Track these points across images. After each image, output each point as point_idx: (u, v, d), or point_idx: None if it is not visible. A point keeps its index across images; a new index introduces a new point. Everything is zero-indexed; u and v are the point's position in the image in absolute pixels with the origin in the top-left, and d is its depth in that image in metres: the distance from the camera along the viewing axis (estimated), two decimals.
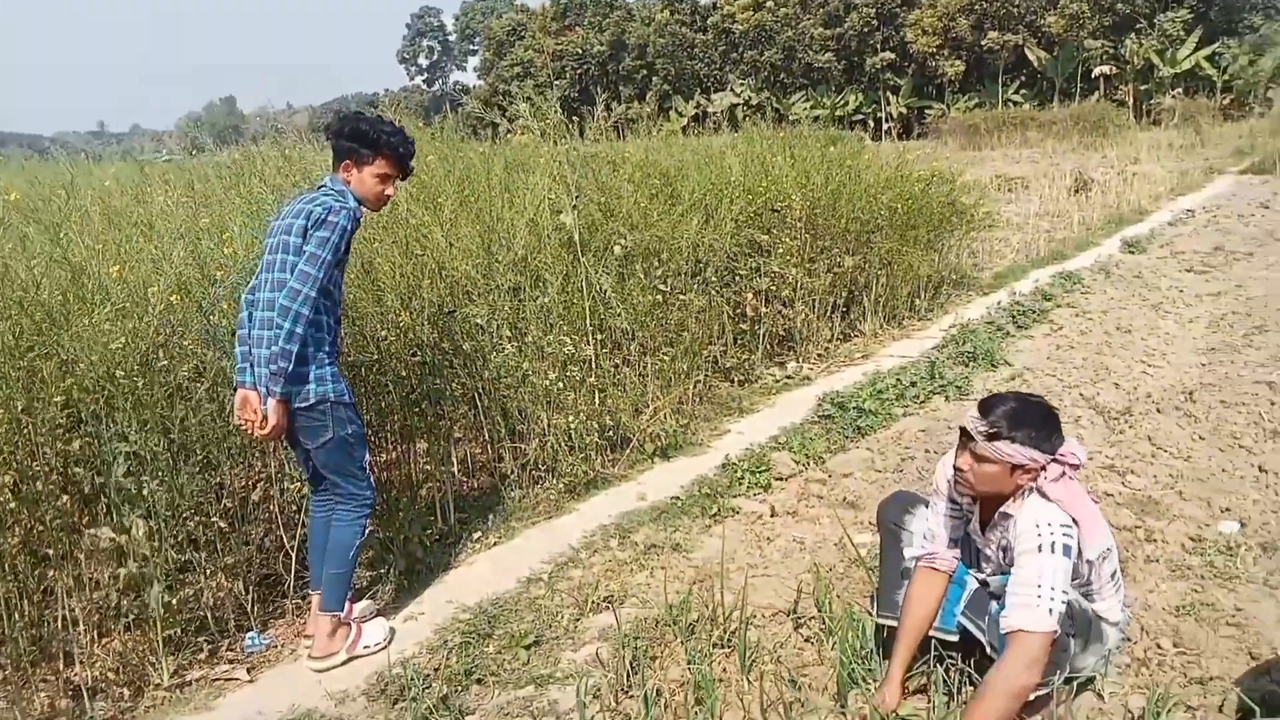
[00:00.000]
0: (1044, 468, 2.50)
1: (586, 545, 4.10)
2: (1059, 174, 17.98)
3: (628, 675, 2.94)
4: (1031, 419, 2.50)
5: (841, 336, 7.58)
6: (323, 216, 3.04)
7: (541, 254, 5.09)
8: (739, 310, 6.62)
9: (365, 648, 3.29)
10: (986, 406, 2.55)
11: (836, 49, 52.08)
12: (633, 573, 3.78)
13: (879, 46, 50.89)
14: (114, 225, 5.32)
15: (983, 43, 47.08)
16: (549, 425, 4.77)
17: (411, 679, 2.99)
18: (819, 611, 3.24)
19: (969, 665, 2.61)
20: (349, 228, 3.11)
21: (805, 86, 53.83)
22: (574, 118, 6.73)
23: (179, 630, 3.33)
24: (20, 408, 3.13)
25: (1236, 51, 40.04)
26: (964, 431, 2.56)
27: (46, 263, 4.00)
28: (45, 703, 3.03)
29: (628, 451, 5.09)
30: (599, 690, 2.91)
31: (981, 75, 49.23)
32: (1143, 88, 43.52)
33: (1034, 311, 7.96)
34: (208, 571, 3.52)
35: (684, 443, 5.29)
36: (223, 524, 3.60)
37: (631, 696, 2.87)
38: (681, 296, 5.81)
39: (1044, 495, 2.49)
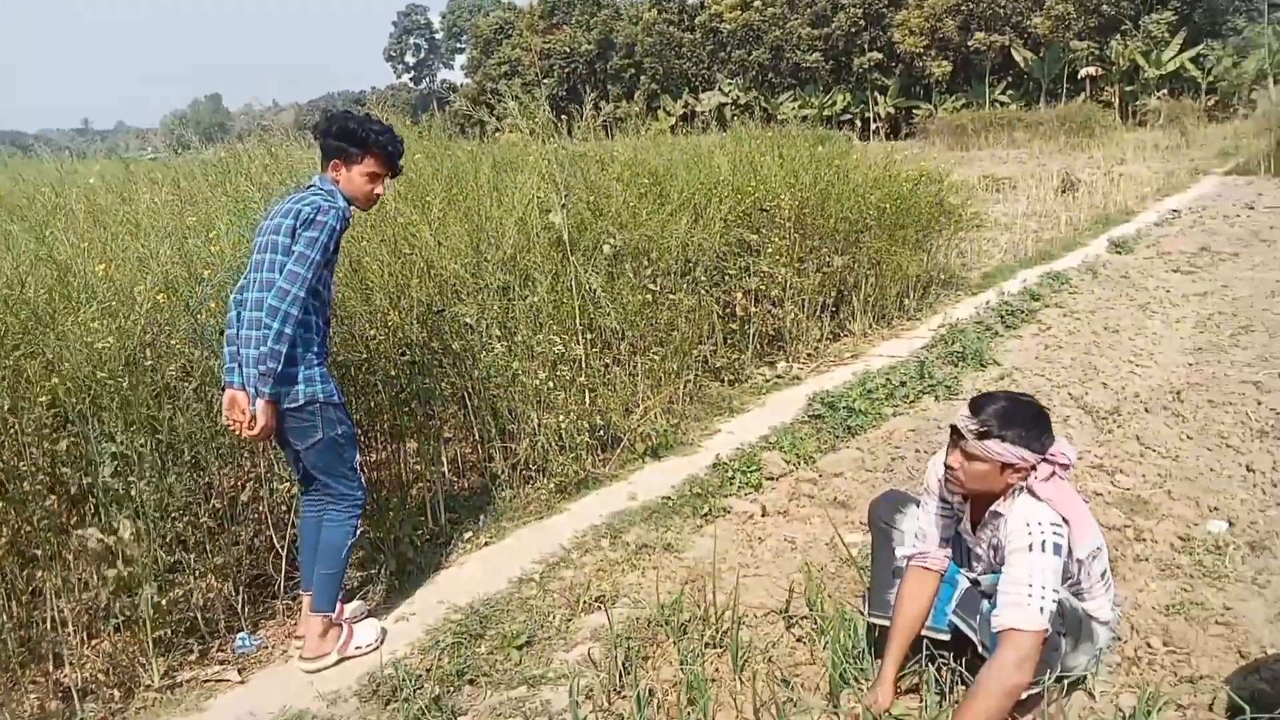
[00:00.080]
0: (1034, 467, 2.51)
1: (578, 545, 4.09)
2: (1046, 174, 18.07)
3: (620, 675, 2.94)
4: (1022, 418, 2.51)
5: (831, 336, 7.60)
6: (311, 216, 3.02)
7: (530, 253, 5.09)
8: (728, 310, 6.62)
9: (357, 648, 3.27)
10: (977, 405, 2.55)
11: (824, 49, 52.17)
12: (624, 573, 3.78)
13: (866, 46, 51.00)
14: (99, 223, 5.29)
15: (969, 43, 47.25)
16: (539, 425, 4.76)
17: (403, 680, 2.98)
18: (811, 611, 3.25)
19: (961, 664, 2.62)
20: (338, 227, 3.09)
21: (793, 86, 53.92)
22: (562, 116, 6.71)
23: (169, 631, 3.30)
24: (6, 407, 3.10)
25: (1220, 53, 40.31)
26: (955, 430, 2.56)
27: (32, 261, 3.98)
28: (35, 704, 3.01)
29: (618, 451, 5.08)
30: (591, 690, 2.91)
31: (968, 76, 49.40)
32: (1128, 89, 43.79)
33: (1022, 311, 8.00)
34: (197, 572, 3.50)
35: (674, 442, 5.29)
36: (212, 524, 3.59)
37: (624, 696, 2.86)
38: (671, 296, 5.81)
39: (1034, 494, 2.50)
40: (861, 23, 50.77)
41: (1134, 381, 5.92)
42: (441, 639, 3.33)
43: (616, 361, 5.50)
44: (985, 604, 2.61)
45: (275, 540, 3.79)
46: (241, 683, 3.21)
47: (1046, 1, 45.05)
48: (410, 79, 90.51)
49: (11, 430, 3.12)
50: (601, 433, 5.10)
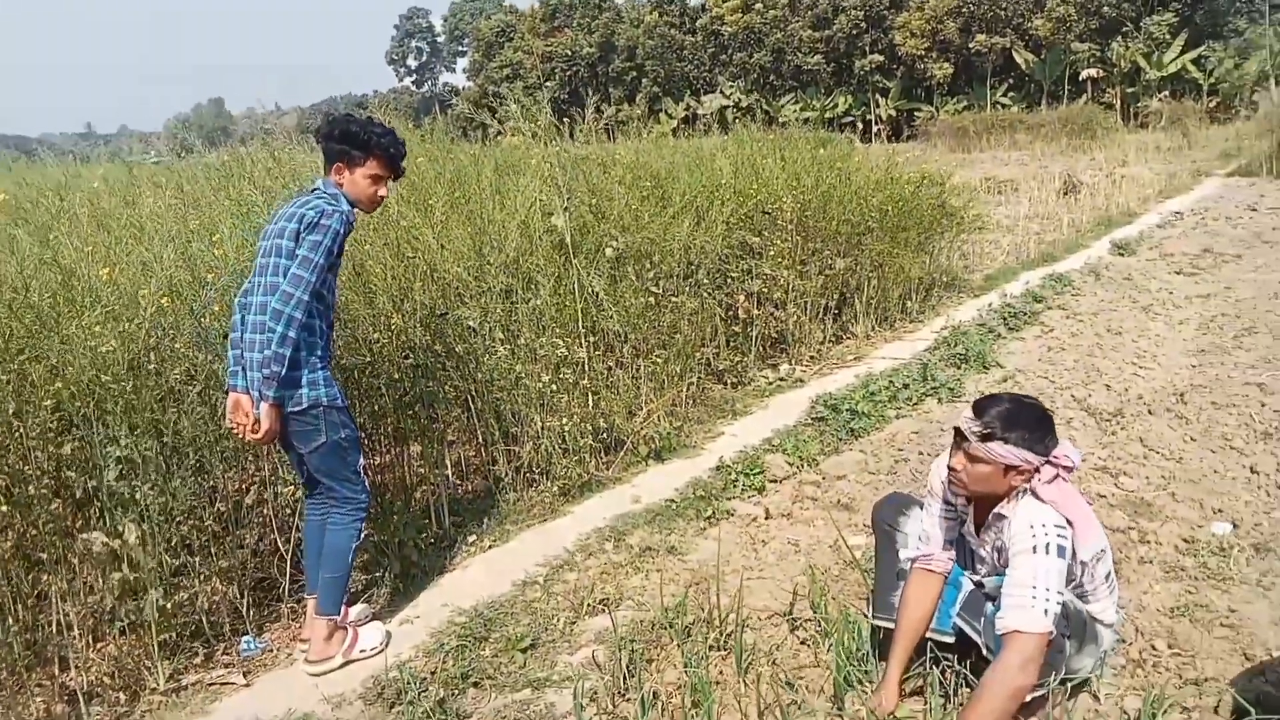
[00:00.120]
0: (1038, 469, 2.51)
1: (581, 548, 4.09)
2: (1048, 176, 18.05)
3: (624, 678, 2.94)
4: (1025, 420, 2.51)
5: (833, 338, 7.60)
6: (315, 220, 3.04)
7: (533, 256, 5.09)
8: (731, 312, 6.63)
9: (361, 651, 3.28)
10: (981, 407, 2.55)
11: (825, 51, 52.12)
12: (628, 575, 3.78)
13: (867, 49, 50.94)
14: (103, 227, 5.30)
15: (971, 45, 47.20)
16: (543, 428, 4.76)
17: (408, 682, 2.98)
18: (815, 614, 3.25)
19: (965, 667, 2.62)
20: (342, 231, 3.10)
21: (795, 89, 53.86)
22: (564, 119, 6.71)
23: (174, 635, 3.31)
24: (11, 411, 3.11)
25: (1222, 55, 40.25)
26: (958, 432, 2.56)
27: (36, 265, 3.99)
28: (41, 708, 3.01)
29: (622, 454, 5.09)
30: (595, 693, 2.91)
31: (970, 78, 49.34)
32: (1130, 91, 43.73)
33: (1025, 313, 7.99)
34: (202, 575, 3.50)
35: (678, 445, 5.29)
36: (216, 528, 3.59)
37: (628, 699, 2.87)
38: (674, 298, 5.82)
39: (1037, 497, 2.50)
40: (863, 25, 50.73)
41: (1137, 383, 5.92)
42: (446, 642, 3.33)
43: (619, 364, 5.51)
44: (989, 606, 2.61)
45: (280, 543, 3.80)
46: (246, 686, 3.21)
47: (1048, 3, 45.01)
48: (412, 82, 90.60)
49: (16, 434, 3.12)
50: (605, 435, 5.10)
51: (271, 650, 3.44)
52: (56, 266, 3.91)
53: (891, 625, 2.79)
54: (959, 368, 6.49)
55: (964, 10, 47.14)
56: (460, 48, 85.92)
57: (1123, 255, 10.94)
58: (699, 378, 6.15)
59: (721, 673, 2.98)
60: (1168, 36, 42.92)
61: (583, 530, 4.28)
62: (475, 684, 3.07)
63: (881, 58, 50.82)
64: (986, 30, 46.98)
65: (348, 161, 3.19)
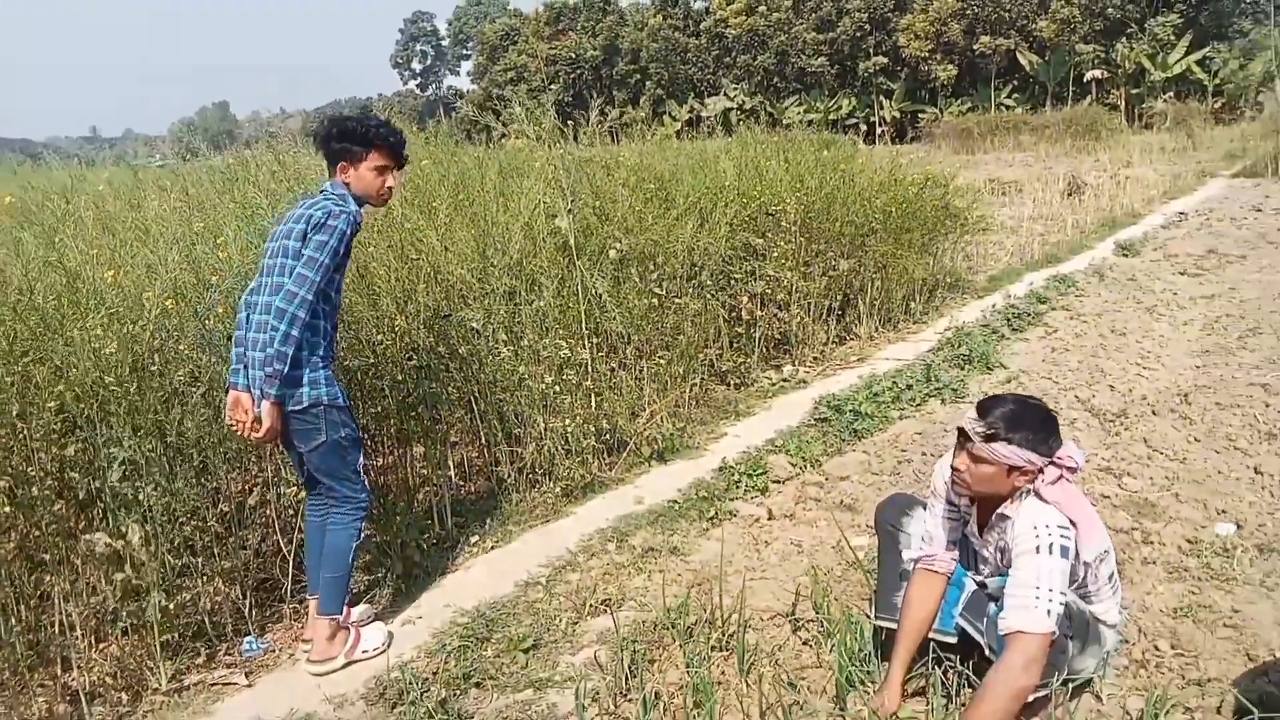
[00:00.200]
0: (1041, 470, 2.51)
1: (584, 549, 4.09)
2: (1052, 177, 18.02)
3: (626, 678, 2.94)
4: (1029, 421, 2.51)
5: (837, 339, 7.59)
6: (322, 220, 3.05)
7: (537, 258, 5.10)
8: (734, 313, 6.63)
9: (364, 652, 3.28)
10: (984, 408, 2.55)
11: (829, 53, 52.08)
12: (630, 576, 3.78)
13: (871, 51, 50.90)
14: (108, 230, 5.32)
15: (975, 47, 47.14)
16: (545, 429, 4.77)
17: (410, 683, 2.99)
18: (817, 614, 3.24)
19: (968, 667, 2.62)
20: (348, 232, 3.11)
21: (798, 91, 53.84)
22: (568, 122, 6.73)
23: (176, 635, 3.32)
24: (15, 413, 3.12)
25: (1227, 56, 40.16)
26: (962, 432, 2.56)
27: (41, 267, 4.00)
28: (43, 708, 3.02)
29: (624, 455, 5.09)
30: (597, 693, 2.91)
31: (974, 79, 49.27)
32: (1134, 92, 43.63)
33: (1029, 314, 7.98)
34: (205, 576, 3.51)
35: (681, 446, 5.29)
36: (219, 529, 3.60)
37: (630, 700, 2.86)
38: (677, 300, 5.82)
39: (1041, 497, 2.50)
40: (866, 27, 50.71)
41: (1141, 384, 5.91)
42: (448, 642, 3.34)
43: (622, 365, 5.51)
44: (992, 607, 2.61)
45: (282, 544, 3.81)
46: (249, 686, 3.22)
47: (1052, 5, 44.96)
48: (417, 85, 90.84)
49: (20, 436, 3.14)
50: (608, 436, 5.10)
51: (274, 651, 3.44)
52: (62, 269, 3.92)
53: (894, 626, 2.79)
54: (963, 368, 6.48)
55: (968, 12, 47.09)
56: (464, 51, 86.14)
57: (1127, 256, 10.92)
58: (702, 379, 6.15)
59: (724, 673, 2.98)
60: (1172, 38, 42.83)
61: (585, 531, 4.28)
62: (477, 684, 3.07)
63: (885, 60, 50.78)
64: (990, 32, 46.93)
65: (350, 159, 3.21)
